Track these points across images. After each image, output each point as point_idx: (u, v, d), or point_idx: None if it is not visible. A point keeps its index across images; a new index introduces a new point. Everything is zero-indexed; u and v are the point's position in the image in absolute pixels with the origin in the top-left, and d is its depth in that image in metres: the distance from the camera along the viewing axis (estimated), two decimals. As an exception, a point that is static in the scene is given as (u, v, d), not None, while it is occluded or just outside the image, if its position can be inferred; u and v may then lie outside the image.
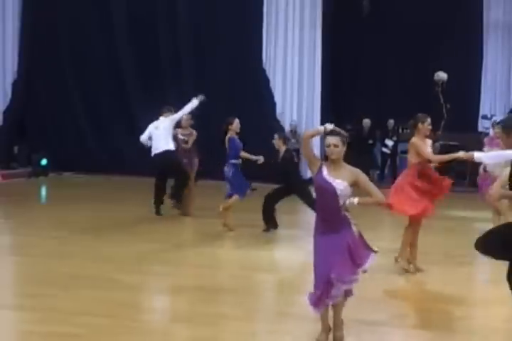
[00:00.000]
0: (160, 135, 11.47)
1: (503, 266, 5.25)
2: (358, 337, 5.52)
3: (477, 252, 5.20)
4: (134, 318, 5.95)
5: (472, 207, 12.24)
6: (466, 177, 15.64)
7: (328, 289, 5.15)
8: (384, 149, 17.96)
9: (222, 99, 17.99)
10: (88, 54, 18.61)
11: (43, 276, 7.35)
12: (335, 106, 18.86)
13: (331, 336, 5.34)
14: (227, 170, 10.41)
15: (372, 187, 5.23)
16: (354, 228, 5.20)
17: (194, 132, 11.98)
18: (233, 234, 10.21)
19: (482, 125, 17.67)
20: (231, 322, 5.84)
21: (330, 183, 5.17)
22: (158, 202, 11.49)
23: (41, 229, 10.34)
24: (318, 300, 5.20)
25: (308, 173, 17.95)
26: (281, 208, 13.73)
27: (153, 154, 11.52)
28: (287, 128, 17.82)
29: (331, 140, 5.24)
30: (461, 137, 16.45)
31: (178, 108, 11.94)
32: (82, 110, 18.93)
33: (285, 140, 10.90)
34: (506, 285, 5.11)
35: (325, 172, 5.22)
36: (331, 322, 5.35)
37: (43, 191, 16.29)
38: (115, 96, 18.69)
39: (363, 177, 5.23)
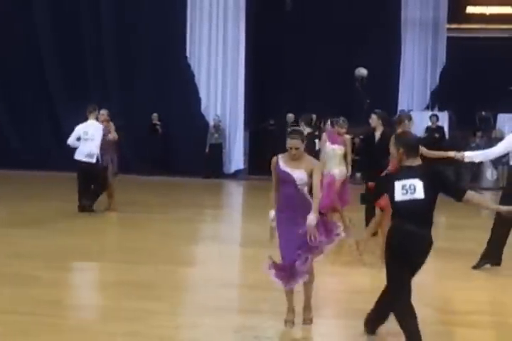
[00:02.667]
0: (87, 141, 11.05)
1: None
2: (276, 328, 5.64)
3: None
4: (56, 315, 5.90)
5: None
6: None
7: (293, 271, 5.43)
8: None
9: (148, 94, 17.98)
10: (10, 53, 18.33)
11: (-39, 274, 7.19)
12: (259, 101, 19.04)
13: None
14: None
15: (316, 184, 5.46)
16: (312, 216, 5.41)
17: (113, 126, 11.62)
18: (157, 229, 10.20)
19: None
20: (155, 317, 5.85)
21: (289, 174, 5.45)
22: (83, 199, 11.25)
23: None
24: (287, 278, 5.48)
25: (231, 168, 18.13)
26: (206, 202, 13.80)
27: (78, 159, 11.09)
28: (211, 122, 17.91)
29: (293, 143, 5.45)
30: (380, 131, 16.81)
31: (101, 106, 11.64)
32: (3, 108, 18.63)
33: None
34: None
35: (282, 164, 5.49)
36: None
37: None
38: (38, 95, 18.51)
39: (316, 172, 5.47)
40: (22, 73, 18.30)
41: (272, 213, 5.57)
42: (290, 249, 5.45)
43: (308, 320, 5.69)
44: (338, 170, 9.40)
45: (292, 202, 5.49)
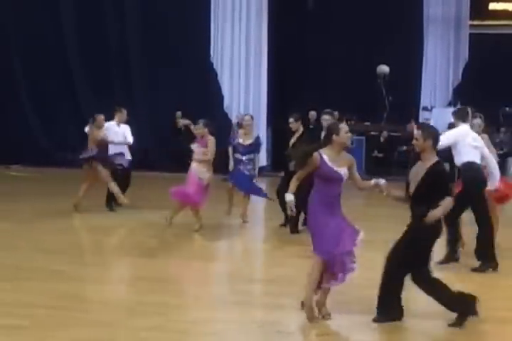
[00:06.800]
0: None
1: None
2: (298, 322, 5.69)
3: None
4: (79, 309, 5.99)
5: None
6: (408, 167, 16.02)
7: (343, 265, 5.60)
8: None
9: (172, 93, 18.10)
10: (37, 54, 18.55)
11: (-13, 269, 7.32)
12: (281, 99, 19.07)
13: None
14: None
15: (357, 174, 5.75)
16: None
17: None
18: (179, 225, 10.25)
19: (422, 116, 18.12)
20: (177, 311, 5.92)
21: (338, 172, 5.52)
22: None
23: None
24: (343, 275, 5.64)
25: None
26: (221, 198, 13.85)
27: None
28: (234, 120, 17.98)
29: (350, 136, 5.73)
30: (403, 128, 16.90)
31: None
32: (32, 109, 18.89)
33: None
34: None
35: (328, 162, 5.51)
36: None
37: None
38: (65, 96, 18.72)
39: (355, 166, 5.73)
40: (49, 74, 18.52)
41: (290, 196, 5.60)
42: (340, 237, 5.51)
43: (328, 315, 5.70)
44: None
45: (334, 200, 5.56)
